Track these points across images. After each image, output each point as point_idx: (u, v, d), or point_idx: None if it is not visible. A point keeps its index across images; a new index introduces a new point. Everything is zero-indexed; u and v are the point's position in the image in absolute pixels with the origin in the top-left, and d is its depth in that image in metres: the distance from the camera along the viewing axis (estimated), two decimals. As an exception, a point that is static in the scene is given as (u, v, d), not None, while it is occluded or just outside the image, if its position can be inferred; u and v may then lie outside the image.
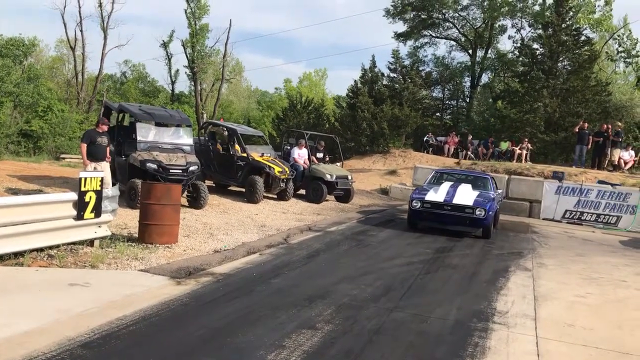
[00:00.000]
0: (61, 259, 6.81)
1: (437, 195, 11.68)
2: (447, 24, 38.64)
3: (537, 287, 7.67)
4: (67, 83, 44.08)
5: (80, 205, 7.31)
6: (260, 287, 6.48)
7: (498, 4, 34.01)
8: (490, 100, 34.86)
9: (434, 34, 39.23)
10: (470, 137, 26.39)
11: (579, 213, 16.52)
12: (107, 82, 49.97)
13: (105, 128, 10.85)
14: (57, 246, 7.16)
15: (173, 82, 48.89)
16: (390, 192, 19.63)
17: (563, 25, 28.40)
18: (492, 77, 38.61)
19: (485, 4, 35.70)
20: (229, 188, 15.29)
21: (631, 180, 17.75)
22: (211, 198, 12.53)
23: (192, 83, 44.17)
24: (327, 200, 15.73)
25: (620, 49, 32.53)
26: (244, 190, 14.15)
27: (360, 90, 28.88)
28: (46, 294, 5.51)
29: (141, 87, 54.47)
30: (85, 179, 7.37)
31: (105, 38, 39.87)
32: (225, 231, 9.81)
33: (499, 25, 37.38)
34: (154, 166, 11.09)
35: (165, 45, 45.81)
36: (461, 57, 40.15)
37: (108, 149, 10.90)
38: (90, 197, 7.43)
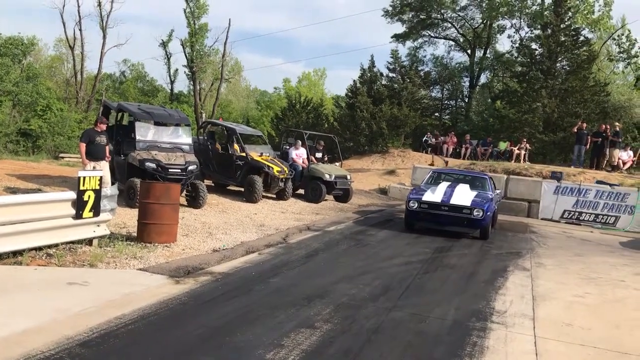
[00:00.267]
0: (60, 258, 6.81)
1: (434, 195, 11.60)
2: (446, 24, 38.67)
3: (535, 287, 7.68)
4: (66, 82, 44.04)
5: (79, 204, 7.30)
6: (259, 287, 6.48)
7: (497, 4, 34.01)
8: (489, 100, 34.88)
9: (432, 34, 39.26)
10: (468, 137, 26.40)
11: (577, 213, 16.54)
12: (106, 81, 49.90)
13: (104, 127, 10.86)
14: (56, 245, 7.16)
15: (172, 82, 48.91)
16: (389, 192, 19.64)
17: (562, 26, 28.42)
18: (491, 77, 38.63)
19: (483, 4, 35.71)
20: (227, 187, 15.29)
21: (629, 181, 17.78)
22: (210, 197, 12.53)
23: (191, 82, 44.18)
24: (325, 200, 15.74)
25: (619, 49, 32.55)
26: (242, 189, 14.15)
27: (359, 90, 28.88)
28: (45, 293, 5.51)
29: (140, 86, 54.45)
30: (84, 178, 7.36)
31: (104, 37, 39.87)
32: (224, 230, 9.81)
33: (497, 26, 37.41)
34: (153, 165, 11.09)
35: (164, 44, 45.81)
36: (460, 57, 40.29)
37: (107, 148, 10.91)
38: (89, 196, 7.43)
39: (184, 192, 11.60)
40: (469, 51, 38.62)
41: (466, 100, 38.79)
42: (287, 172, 14.48)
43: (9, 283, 5.72)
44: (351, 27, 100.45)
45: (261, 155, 14.49)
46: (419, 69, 35.21)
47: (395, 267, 8.26)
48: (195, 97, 43.38)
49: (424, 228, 11.75)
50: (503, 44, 36.51)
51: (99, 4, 39.31)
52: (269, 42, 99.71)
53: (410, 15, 37.31)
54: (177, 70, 47.98)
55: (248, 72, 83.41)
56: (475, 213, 11.16)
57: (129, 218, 9.56)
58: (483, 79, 38.89)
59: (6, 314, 4.80)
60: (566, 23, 28.75)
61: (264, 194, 14.11)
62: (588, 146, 21.06)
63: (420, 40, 39.10)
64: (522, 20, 35.74)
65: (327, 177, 15.47)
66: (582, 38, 29.10)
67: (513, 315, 6.19)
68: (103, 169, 10.15)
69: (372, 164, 25.68)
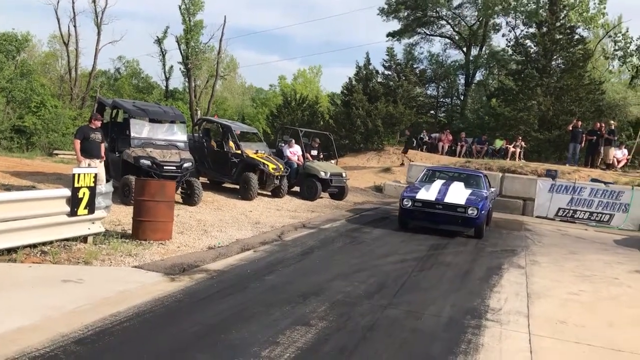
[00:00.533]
0: (54, 255, 6.79)
1: (428, 193, 11.51)
2: (442, 21, 38.68)
3: (530, 285, 7.70)
4: (60, 79, 43.89)
5: (73, 202, 7.28)
6: (254, 284, 6.48)
7: (492, 2, 34.04)
8: (485, 98, 34.95)
9: (428, 32, 39.27)
10: (463, 135, 26.45)
11: (572, 211, 16.59)
12: (101, 78, 49.83)
13: (98, 124, 10.82)
14: (51, 242, 7.13)
15: (167, 79, 48.85)
16: (384, 189, 19.66)
17: (557, 24, 28.48)
18: (486, 75, 38.70)
19: (479, 1, 35.74)
20: (223, 185, 15.27)
21: (624, 179, 17.85)
22: (205, 195, 12.51)
23: (186, 79, 44.14)
24: (321, 198, 15.74)
25: (616, 47, 32.64)
26: (238, 187, 14.13)
27: (355, 88, 28.88)
28: (39, 291, 5.49)
29: (135, 83, 54.37)
30: (79, 175, 7.35)
31: (98, 34, 39.77)
32: (219, 228, 9.80)
33: (492, 24, 37.45)
34: (148, 163, 11.06)
35: (159, 41, 45.72)
36: (455, 55, 40.23)
37: (103, 145, 10.87)
38: (84, 194, 7.41)
39: (179, 189, 11.58)
40: (464, 49, 38.65)
41: (462, 98, 38.84)
42: (282, 169, 14.47)
43: (3, 280, 5.70)
44: (347, 25, 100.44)
45: (256, 152, 14.47)
46: (415, 66, 35.26)
47: (391, 264, 8.27)
48: (191, 94, 43.32)
49: (419, 226, 11.72)
50: (499, 42, 36.64)
51: (94, 1, 39.21)
52: (264, 39, 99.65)
53: (406, 14, 37.31)
54: (172, 67, 47.97)
55: (243, 69, 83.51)
56: (469, 212, 11.08)
57: (123, 215, 9.53)
58: (478, 76, 39.04)
59: (0, 312, 4.79)
60: (561, 21, 28.82)
61: (259, 191, 14.08)
62: (583, 144, 21.11)
63: (416, 37, 39.14)
64: (517, 18, 35.79)
65: (322, 174, 15.47)
66: (577, 36, 29.17)
67: (508, 312, 6.21)
68: (98, 166, 10.11)
69: (368, 162, 25.69)
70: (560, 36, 28.43)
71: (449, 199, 11.29)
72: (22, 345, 4.13)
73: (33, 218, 6.84)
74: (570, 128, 21.41)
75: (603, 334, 5.81)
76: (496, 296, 6.92)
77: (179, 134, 12.38)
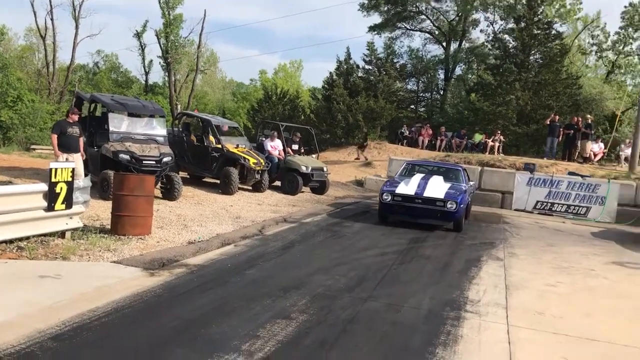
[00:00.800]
0: (31, 251, 6.70)
1: (408, 188, 11.54)
2: (421, 16, 38.81)
3: (508, 277, 7.79)
4: (38, 73, 43.24)
5: (50, 197, 7.18)
6: (234, 278, 6.46)
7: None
8: (464, 92, 35.19)
9: (408, 27, 39.37)
10: (443, 129, 26.63)
11: (549, 204, 16.81)
12: (79, 72, 49.11)
13: (75, 118, 10.69)
14: (27, 238, 7.04)
15: (147, 73, 48.42)
16: (365, 183, 19.71)
17: (535, 19, 28.78)
18: (466, 70, 38.95)
19: (458, -4, 35.96)
20: (203, 179, 15.18)
21: (600, 172, 18.13)
22: (185, 189, 12.43)
23: (166, 74, 43.76)
24: (302, 192, 15.73)
25: (592, 42, 33.07)
26: (218, 181, 14.07)
27: (336, 82, 28.91)
28: (16, 286, 5.42)
29: (114, 77, 53.73)
30: (56, 169, 7.25)
31: (76, 27, 39.24)
32: (199, 223, 9.75)
33: (472, 19, 37.67)
34: (127, 157, 10.96)
35: (138, 35, 45.26)
36: (435, 49, 40.42)
37: (81, 139, 10.75)
38: (61, 188, 7.31)
39: (159, 184, 11.49)
40: (444, 44, 38.86)
41: (441, 93, 39.07)
42: (263, 163, 14.43)
43: (-22, 277, 5.61)
44: (328, 19, 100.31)
45: (237, 146, 14.41)
46: (395, 61, 35.36)
47: (371, 258, 8.30)
48: (170, 88, 42.96)
49: (399, 220, 11.76)
50: (478, 37, 36.94)
51: (71, -7, 38.63)
52: (245, 33, 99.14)
53: (386, 8, 37.36)
54: (151, 61, 47.53)
55: (224, 64, 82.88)
56: (448, 205, 11.14)
57: (102, 210, 9.43)
58: (458, 71, 39.26)
59: (-24, 308, 4.72)
60: (539, 16, 29.11)
61: (239, 185, 14.04)
62: (560, 138, 21.41)
63: (396, 32, 39.22)
64: (495, 14, 36.09)
65: (303, 169, 15.46)
66: (554, 31, 29.51)
67: (486, 304, 6.27)
68: (76, 160, 10.00)
69: (349, 156, 25.73)
70: (538, 31, 28.75)
71: (428, 193, 11.34)
72: (-2, 341, 4.08)
73: (9, 213, 6.73)
74: (548, 122, 21.70)
75: (580, 324, 5.90)
76: (475, 288, 6.99)
77: (159, 128, 12.28)
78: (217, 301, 5.59)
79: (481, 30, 36.52)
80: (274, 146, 16.13)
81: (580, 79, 29.86)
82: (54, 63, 39.97)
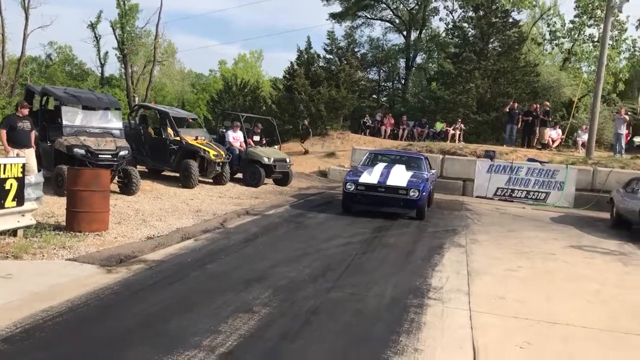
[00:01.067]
0: (-20, 251, 6.42)
1: (371, 177, 11.58)
2: (382, 5, 38.80)
3: (470, 263, 7.86)
4: (-15, 66, 41.66)
5: (0, 194, 6.90)
6: (195, 273, 6.32)
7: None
8: (425, 81, 35.42)
9: (369, 15, 39.33)
10: (404, 118, 26.77)
11: (510, 190, 17.09)
12: (31, 65, 47.61)
13: (25, 112, 10.32)
14: (-24, 237, 6.75)
15: (102, 65, 47.31)
16: (329, 174, 19.69)
17: (493, 7, 29.12)
18: (426, 59, 39.20)
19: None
20: (162, 173, 14.89)
21: (558, 158, 18.51)
22: (144, 183, 12.16)
23: (123, 65, 42.78)
24: (265, 184, 15.60)
25: (550, 29, 33.65)
26: (178, 175, 13.80)
27: (297, 72, 28.67)
28: (-37, 288, 5.18)
29: (68, 70, 52.29)
30: (5, 165, 6.96)
31: (26, 18, 37.87)
32: (158, 217, 9.54)
33: (431, 8, 37.87)
34: (82, 151, 10.64)
35: (92, 26, 44.08)
36: (396, 38, 40.59)
37: (33, 134, 10.39)
38: (11, 185, 7.03)
39: (116, 178, 11.21)
40: (404, 33, 38.98)
41: (403, 82, 39.24)
42: (224, 155, 14.22)
43: None
44: (288, 8, 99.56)
45: (196, 138, 14.16)
46: (356, 50, 35.32)
47: (335, 248, 8.26)
48: (127, 80, 42.04)
49: (362, 209, 11.77)
50: (438, 25, 37.24)
51: (20, -17, 37.29)
52: (203, 23, 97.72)
53: (346, -3, 37.20)
54: (107, 53, 46.44)
55: (182, 54, 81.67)
56: (411, 193, 11.22)
57: (57, 207, 9.14)
58: (419, 60, 39.46)
59: None
60: (497, 4, 29.46)
61: (200, 178, 13.82)
62: (519, 125, 21.77)
63: (357, 21, 39.14)
64: (455, 2, 36.32)
65: (265, 160, 15.31)
66: (511, 19, 29.91)
67: (449, 290, 6.30)
68: (27, 156, 9.64)
69: (312, 147, 25.62)
70: (496, 19, 29.10)
71: (391, 181, 11.40)
72: (-58, 347, 3.87)
73: (-45, 212, 6.44)
74: (507, 110, 22.04)
75: (540, 307, 5.97)
76: (438, 275, 7.01)
77: (114, 121, 11.95)
78: (177, 297, 5.46)
79: (441, 19, 36.65)
80: (237, 137, 15.93)
81: (537, 66, 30.37)
82: (3, 55, 38.54)
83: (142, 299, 5.31)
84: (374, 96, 38.16)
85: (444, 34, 35.04)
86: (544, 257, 8.79)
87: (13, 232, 7.25)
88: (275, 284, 6.05)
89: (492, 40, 29.70)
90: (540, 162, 17.27)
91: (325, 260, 7.41)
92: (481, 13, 29.07)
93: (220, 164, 14.21)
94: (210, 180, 14.54)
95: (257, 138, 17.00)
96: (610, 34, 23.97)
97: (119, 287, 5.57)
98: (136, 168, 12.36)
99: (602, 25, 21.72)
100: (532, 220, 13.26)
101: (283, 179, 16.17)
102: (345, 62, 29.90)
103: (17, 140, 9.98)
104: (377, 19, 39.63)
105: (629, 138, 22.24)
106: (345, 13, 37.57)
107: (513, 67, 28.51)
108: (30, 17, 37.90)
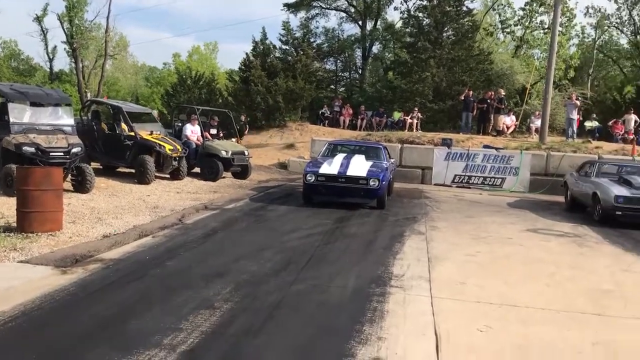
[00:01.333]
0: None
1: (331, 167, 11.59)
2: (337, -6, 38.75)
3: (430, 250, 7.94)
4: None
5: (-56, 196, 6.60)
6: (153, 271, 6.19)
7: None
8: (382, 71, 35.57)
9: (323, 5, 39.23)
10: (362, 108, 26.85)
11: (467, 177, 17.38)
12: (-26, 61, 45.84)
13: (-32, 110, 9.89)
14: None
15: (51, 60, 45.98)
16: (289, 166, 19.61)
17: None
18: (382, 49, 39.39)
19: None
20: (117, 170, 14.54)
21: (513, 144, 18.90)
22: (98, 181, 11.85)
23: (73, 60, 41.57)
24: (223, 178, 15.41)
25: (500, 19, 34.22)
26: (133, 171, 13.50)
27: (253, 64, 28.35)
28: None
29: (14, 65, 50.52)
30: (-51, 166, 6.65)
31: (-33, 12, 36.36)
32: (114, 215, 9.30)
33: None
34: (32, 150, 10.27)
35: (38, 19, 42.69)
36: (351, 28, 40.54)
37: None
38: (-44, 186, 6.73)
39: (69, 176, 10.89)
40: (360, 23, 39.05)
41: (360, 72, 39.35)
42: (180, 150, 13.98)
43: None
44: None
45: (151, 133, 13.87)
46: (312, 40, 35.19)
47: (296, 240, 8.22)
48: (78, 75, 40.84)
49: (323, 200, 11.76)
50: (393, 15, 37.49)
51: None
52: (156, 15, 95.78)
53: (301, -14, 36.99)
54: (55, 47, 45.12)
55: (135, 48, 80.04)
56: (371, 183, 11.28)
57: (7, 208, 8.81)
58: (375, 50, 39.61)
59: None
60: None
61: (157, 174, 13.55)
62: (475, 113, 22.12)
63: (312, 12, 39.00)
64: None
65: (223, 153, 15.12)
66: (464, 8, 30.30)
67: (410, 278, 6.35)
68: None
69: (270, 139, 25.47)
70: (450, 8, 29.43)
71: (351, 171, 11.43)
72: None
73: None
74: (463, 98, 22.37)
75: (500, 291, 6.08)
76: (399, 263, 7.06)
77: (65, 118, 11.57)
78: (136, 296, 5.33)
79: (395, 8, 36.88)
80: (194, 131, 15.68)
81: (491, 54, 30.89)
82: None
83: (99, 299, 5.16)
84: (332, 87, 38.16)
85: (399, 24, 35.26)
86: (501, 242, 8.96)
87: (-40, 236, 6.96)
88: (237, 279, 5.98)
89: (446, 29, 30.05)
90: (496, 149, 17.61)
91: (287, 253, 7.37)
92: (435, 2, 29.33)
93: (177, 158, 13.96)
94: (167, 176, 14.28)
95: (214, 131, 16.78)
96: (560, 20, 24.50)
97: (75, 288, 5.40)
98: (90, 165, 12.03)
99: (552, 13, 22.17)
100: (489, 205, 13.50)
101: (242, 172, 16.02)
102: (302, 53, 29.73)
103: (-39, 140, 9.57)
104: (332, 9, 39.56)
105: (580, 123, 22.85)
106: (299, 3, 37.36)
107: (467, 56, 28.94)
108: (-29, 11, 36.39)
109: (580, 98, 24.42)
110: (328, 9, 39.39)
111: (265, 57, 29.11)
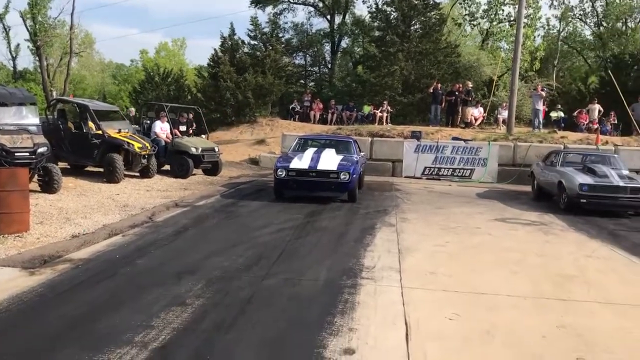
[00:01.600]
0: None
1: (301, 162, 11.64)
2: (304, -11, 38.71)
3: (401, 241, 8.05)
4: None
5: None
6: (124, 269, 6.15)
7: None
8: (351, 65, 35.68)
9: (291, 0, 39.17)
10: (332, 102, 26.93)
11: (436, 169, 17.60)
12: None
13: None
14: None
15: (14, 58, 44.90)
16: (260, 161, 19.57)
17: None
18: (351, 43, 39.49)
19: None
20: (85, 169, 14.32)
21: (481, 135, 19.18)
22: (66, 180, 11.67)
23: (37, 58, 40.65)
24: (194, 175, 15.31)
25: (466, 12, 34.61)
26: (102, 170, 13.32)
27: (221, 59, 28.17)
28: None
29: (-24, 65, 49.25)
30: None
31: None
32: (83, 214, 9.18)
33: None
34: (-4, 151, 10.06)
35: (0, 17, 41.60)
36: (320, 23, 40.60)
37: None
38: None
39: (36, 177, 10.70)
40: (328, 17, 39.07)
41: (329, 67, 39.41)
42: (149, 147, 13.84)
43: None
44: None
45: (119, 131, 13.69)
46: (281, 35, 35.12)
47: (268, 235, 8.24)
48: (43, 73, 39.98)
49: (295, 195, 11.81)
50: (361, 9, 37.63)
51: None
52: (122, 11, 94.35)
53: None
54: (18, 45, 44.13)
55: (101, 45, 78.71)
56: (342, 177, 11.34)
57: (-29, 210, 8.61)
58: (344, 44, 39.69)
59: None
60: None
61: (126, 172, 13.39)
62: (443, 105, 22.37)
63: (279, 7, 38.87)
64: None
65: (193, 150, 15.02)
66: (431, 1, 30.56)
67: (381, 269, 6.44)
68: None
69: (241, 135, 25.37)
70: (417, 1, 29.65)
71: (322, 165, 11.49)
72: None
73: None
74: (431, 90, 22.58)
75: (468, 280, 6.21)
76: (370, 255, 7.15)
77: (30, 117, 11.34)
78: (106, 295, 5.30)
79: (363, 2, 37.02)
80: (164, 128, 15.53)
81: (458, 47, 31.26)
82: None
83: (68, 299, 5.12)
84: (302, 81, 38.13)
85: (367, 18, 35.38)
86: (470, 232, 9.12)
87: None
88: (208, 275, 5.98)
89: (413, 22, 30.27)
90: (464, 140, 17.86)
91: (259, 248, 7.38)
92: (402, -5, 29.51)
93: (146, 156, 13.82)
94: (137, 174, 14.13)
95: (183, 128, 16.64)
96: (525, 12, 24.90)
97: (44, 289, 5.35)
98: (57, 165, 11.84)
99: (517, 5, 22.50)
100: (459, 196, 13.70)
101: (213, 169, 15.94)
102: (271, 48, 29.65)
103: None
104: (300, 4, 39.50)
105: (545, 113, 23.29)
106: (267, -2, 37.22)
107: (435, 49, 29.22)
108: None
109: (545, 89, 24.90)
110: (296, 3, 39.34)
111: (233, 52, 28.96)
